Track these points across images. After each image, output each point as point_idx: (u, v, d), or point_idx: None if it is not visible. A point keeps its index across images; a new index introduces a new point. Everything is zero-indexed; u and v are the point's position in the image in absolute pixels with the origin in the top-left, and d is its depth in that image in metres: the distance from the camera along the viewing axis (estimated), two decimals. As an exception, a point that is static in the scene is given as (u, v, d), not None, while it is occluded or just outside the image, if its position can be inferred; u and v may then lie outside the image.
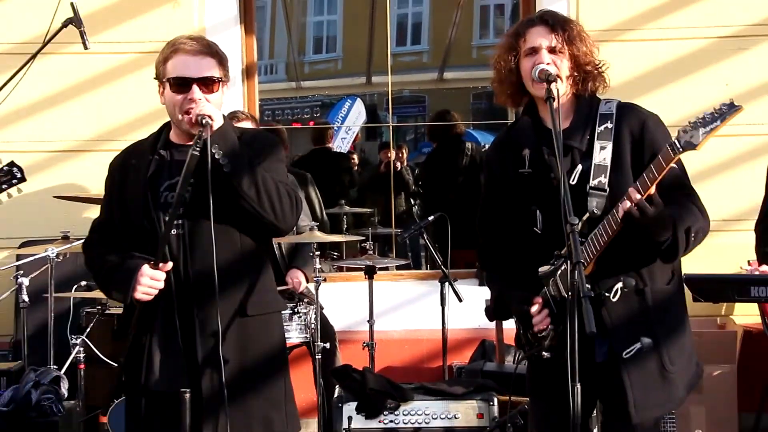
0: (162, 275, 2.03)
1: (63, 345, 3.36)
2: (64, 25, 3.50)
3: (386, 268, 4.29)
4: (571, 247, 1.78)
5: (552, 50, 2.04)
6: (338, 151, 7.39)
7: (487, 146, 6.25)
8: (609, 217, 1.93)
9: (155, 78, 2.16)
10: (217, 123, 2.05)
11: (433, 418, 2.92)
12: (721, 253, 2.81)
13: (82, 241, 2.29)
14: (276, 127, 4.71)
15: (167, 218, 2.05)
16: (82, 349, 3.20)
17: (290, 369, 2.27)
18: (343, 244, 4.87)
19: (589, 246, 1.95)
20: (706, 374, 3.17)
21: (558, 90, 1.98)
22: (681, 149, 1.83)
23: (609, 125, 2.04)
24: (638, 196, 1.87)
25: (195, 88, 2.07)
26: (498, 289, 2.21)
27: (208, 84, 2.09)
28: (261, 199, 2.05)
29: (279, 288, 3.31)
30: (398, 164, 6.11)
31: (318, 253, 3.33)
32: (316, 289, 3.27)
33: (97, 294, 3.27)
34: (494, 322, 3.56)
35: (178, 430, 2.04)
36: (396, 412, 2.93)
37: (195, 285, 2.07)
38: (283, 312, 2.90)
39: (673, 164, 1.87)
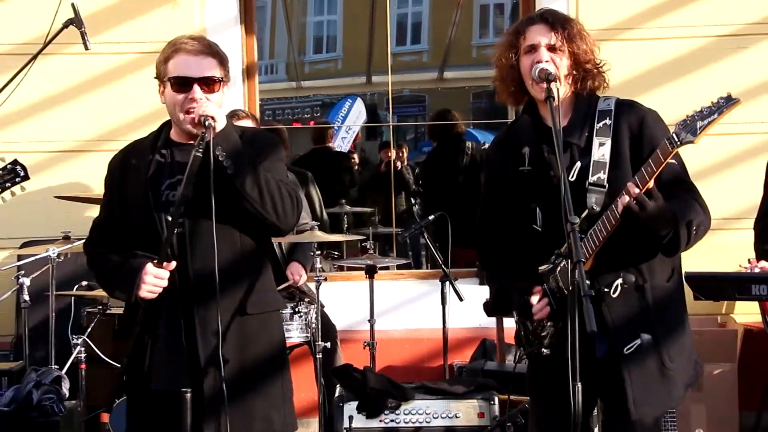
0: (166, 274, 2.04)
1: (64, 345, 3.36)
2: (65, 25, 3.50)
3: (387, 268, 4.29)
4: (572, 245, 1.78)
5: (551, 48, 2.04)
6: (339, 150, 7.40)
7: (487, 145, 6.24)
8: (608, 213, 1.93)
9: (156, 77, 2.16)
10: (220, 124, 2.05)
11: (434, 418, 2.92)
12: (721, 251, 2.81)
13: (83, 241, 2.29)
14: (276, 126, 4.71)
15: (170, 218, 2.05)
16: (83, 348, 3.20)
17: (291, 368, 2.28)
18: (343, 243, 4.87)
19: (588, 242, 1.95)
20: (706, 373, 3.17)
21: (558, 89, 1.98)
22: (679, 143, 1.83)
23: (608, 122, 2.04)
24: (637, 191, 1.87)
25: (196, 87, 2.08)
26: (497, 283, 2.21)
27: (209, 84, 2.10)
28: (263, 199, 2.05)
29: (281, 286, 3.34)
30: (398, 164, 6.11)
31: (319, 252, 3.33)
32: (317, 289, 3.27)
33: (98, 294, 3.27)
34: (495, 322, 3.56)
35: (179, 430, 2.04)
36: (397, 412, 2.93)
37: (195, 284, 2.07)
38: (284, 311, 2.92)
39: (671, 159, 1.87)
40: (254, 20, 4.29)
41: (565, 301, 1.92)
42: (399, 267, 4.44)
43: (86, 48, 3.44)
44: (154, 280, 2.02)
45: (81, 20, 3.41)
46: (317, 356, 3.23)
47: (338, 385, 3.08)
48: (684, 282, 2.11)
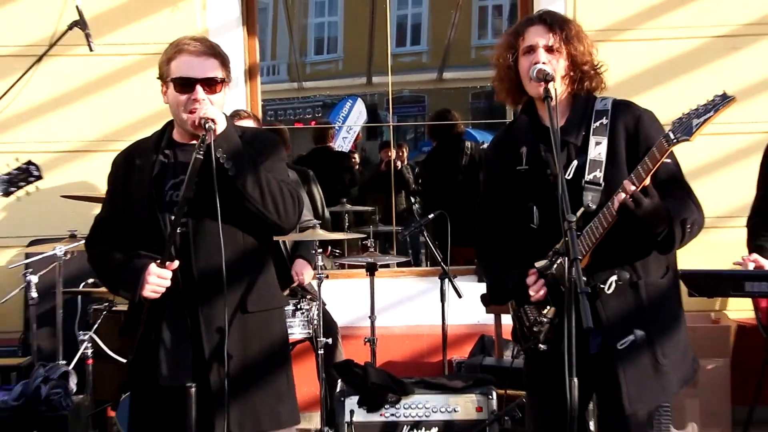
0: (169, 274, 2.04)
1: (71, 341, 3.37)
2: (70, 27, 3.51)
3: (387, 265, 4.29)
4: (569, 243, 1.78)
5: (549, 49, 2.04)
6: (340, 150, 7.40)
7: (486, 145, 6.25)
8: (604, 210, 1.93)
9: (158, 78, 2.16)
10: (221, 126, 2.05)
11: (433, 412, 2.93)
12: (715, 249, 2.80)
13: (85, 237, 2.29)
14: (278, 126, 4.71)
15: (173, 218, 2.05)
16: (89, 344, 3.21)
17: (293, 364, 2.28)
18: (345, 241, 4.87)
19: (584, 239, 1.96)
20: (700, 368, 3.17)
21: (555, 89, 1.98)
22: (675, 140, 1.84)
23: (604, 121, 2.04)
24: (633, 188, 1.87)
25: (199, 88, 2.08)
26: (493, 274, 2.21)
27: (211, 84, 2.10)
28: (265, 199, 2.05)
29: (287, 288, 3.34)
30: (399, 163, 6.11)
31: (320, 250, 3.33)
32: (319, 286, 3.27)
33: (105, 291, 3.28)
34: (493, 318, 3.56)
35: (184, 425, 2.04)
36: (397, 406, 2.94)
37: (199, 282, 2.08)
38: (286, 308, 2.92)
39: (667, 157, 1.87)
40: (256, 22, 4.28)
41: (561, 298, 1.92)
42: (399, 265, 4.44)
43: (90, 50, 3.45)
44: (158, 280, 2.03)
45: (85, 22, 3.42)
46: (319, 352, 3.23)
47: (339, 380, 3.08)
48: (679, 279, 2.11)
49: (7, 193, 2.34)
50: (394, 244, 5.61)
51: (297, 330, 3.23)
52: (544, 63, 2.02)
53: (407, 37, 9.88)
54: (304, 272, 3.43)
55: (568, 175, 2.00)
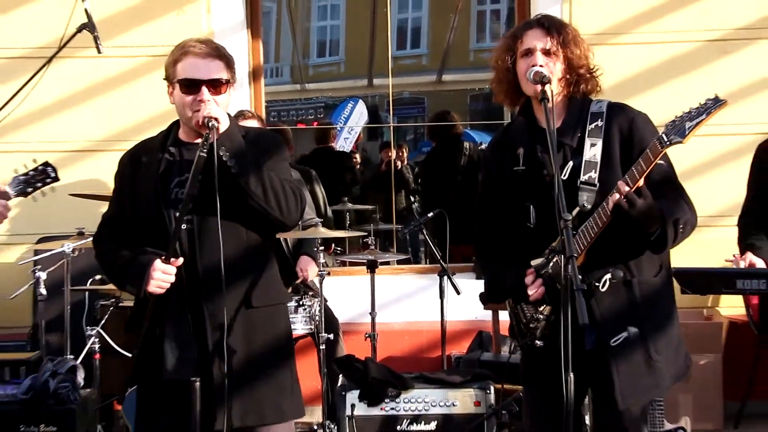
0: (173, 269, 2.04)
1: (79, 336, 3.37)
2: (79, 30, 3.50)
3: (387, 263, 4.29)
4: (565, 242, 1.79)
5: (546, 52, 2.05)
6: (341, 150, 7.38)
7: (484, 145, 6.24)
8: (599, 210, 1.94)
9: (165, 79, 2.16)
10: (224, 125, 2.06)
11: (432, 406, 2.93)
12: (708, 247, 2.80)
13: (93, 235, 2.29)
14: (281, 127, 4.71)
15: (177, 215, 2.05)
16: (97, 339, 3.21)
17: (296, 359, 2.28)
18: (346, 239, 4.87)
19: (579, 238, 1.96)
20: (693, 364, 3.18)
21: (551, 91, 1.98)
22: (668, 142, 1.84)
23: (599, 123, 2.04)
24: (627, 189, 1.88)
25: (204, 89, 2.08)
26: (491, 273, 2.21)
27: (216, 85, 2.10)
28: (267, 196, 2.06)
29: (292, 285, 3.34)
30: (399, 163, 6.11)
31: (322, 248, 3.33)
32: (321, 283, 3.27)
33: (111, 287, 3.28)
34: (490, 314, 3.56)
35: (188, 418, 2.04)
36: (397, 400, 2.94)
37: (204, 278, 2.08)
38: (288, 304, 2.92)
39: (660, 159, 1.87)
40: (260, 25, 4.28)
41: (557, 295, 1.92)
42: (399, 262, 4.44)
43: (99, 52, 3.43)
44: (162, 275, 2.03)
45: (94, 25, 3.41)
46: (321, 347, 3.23)
47: (341, 375, 3.09)
48: (672, 277, 2.11)
49: (24, 194, 2.34)
50: (394, 242, 5.61)
51: (299, 326, 3.23)
52: (541, 65, 2.02)
53: (407, 41, 9.87)
54: (308, 268, 3.43)
55: (564, 175, 2.00)
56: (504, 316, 3.27)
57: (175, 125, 2.22)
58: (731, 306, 3.89)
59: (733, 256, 2.43)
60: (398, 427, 2.92)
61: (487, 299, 2.26)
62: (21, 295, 3.47)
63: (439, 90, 9.32)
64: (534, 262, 2.05)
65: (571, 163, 2.03)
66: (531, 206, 2.06)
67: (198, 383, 2.04)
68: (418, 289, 4.09)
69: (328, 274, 3.37)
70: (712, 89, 1.97)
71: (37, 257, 3.40)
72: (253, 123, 3.40)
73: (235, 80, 2.17)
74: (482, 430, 2.88)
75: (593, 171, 2.00)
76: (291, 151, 4.49)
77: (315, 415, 3.57)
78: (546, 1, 3.96)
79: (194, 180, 2.01)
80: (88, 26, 3.44)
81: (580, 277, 1.76)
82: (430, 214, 3.62)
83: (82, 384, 3.10)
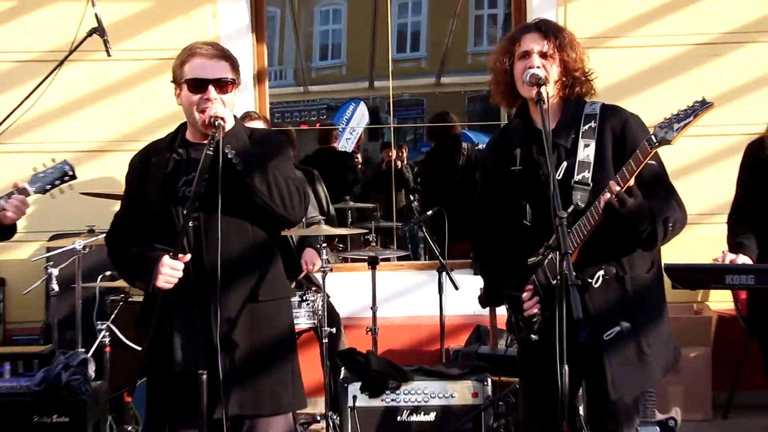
0: (181, 265, 2.04)
1: (90, 330, 3.37)
2: (89, 34, 3.49)
3: (388, 259, 4.29)
4: (560, 238, 1.79)
5: (543, 55, 2.04)
6: (343, 150, 7.39)
7: (481, 146, 6.24)
8: (592, 209, 1.94)
9: (172, 81, 2.16)
10: (229, 124, 2.06)
11: (431, 397, 2.93)
12: (697, 244, 2.80)
13: (105, 233, 2.30)
14: (285, 128, 4.71)
15: (185, 212, 2.05)
16: (107, 333, 3.22)
17: (299, 352, 2.28)
18: (348, 236, 4.87)
19: (573, 236, 1.96)
20: (683, 356, 3.18)
21: (547, 93, 1.98)
22: (657, 143, 1.84)
23: (593, 125, 2.04)
24: (618, 188, 1.88)
25: (211, 88, 2.08)
26: (490, 277, 2.22)
27: (222, 85, 2.10)
28: (272, 194, 2.06)
29: (296, 279, 3.34)
30: (399, 163, 6.10)
31: (325, 245, 3.33)
32: (323, 278, 3.28)
33: (121, 283, 3.28)
34: (488, 309, 3.56)
35: (195, 408, 2.04)
36: (397, 392, 2.94)
37: (210, 274, 2.08)
38: (292, 299, 2.92)
39: (651, 159, 1.87)
40: (265, 29, 4.28)
41: (552, 291, 1.92)
42: (399, 258, 4.44)
43: (108, 55, 3.43)
44: (170, 271, 2.03)
45: (104, 29, 3.41)
46: (323, 341, 3.23)
47: (343, 368, 3.09)
48: (663, 273, 2.11)
49: (43, 191, 2.34)
50: (394, 239, 5.61)
51: (303, 320, 3.23)
52: (537, 67, 2.02)
53: (407, 44, 9.87)
54: (315, 261, 3.43)
55: (559, 175, 2.00)
56: (501, 310, 3.27)
57: (183, 127, 2.22)
58: (720, 301, 3.89)
59: (722, 252, 2.42)
60: (398, 418, 2.92)
61: (485, 303, 2.28)
62: (34, 290, 3.47)
63: (438, 92, 9.32)
64: (530, 260, 2.05)
65: (565, 164, 2.03)
66: (527, 205, 2.06)
67: (205, 376, 2.04)
68: (418, 285, 4.09)
69: (331, 270, 3.37)
70: (702, 91, 1.97)
71: (50, 254, 3.41)
72: (259, 124, 3.40)
73: (239, 81, 2.17)
74: (480, 420, 2.88)
75: (587, 171, 2.00)
76: (295, 150, 4.49)
77: (318, 406, 3.58)
78: (542, 6, 3.96)
79: (201, 178, 2.01)
80: (98, 30, 3.44)
81: (574, 273, 1.76)
82: (429, 212, 3.62)
83: (93, 376, 3.10)
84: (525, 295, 2.04)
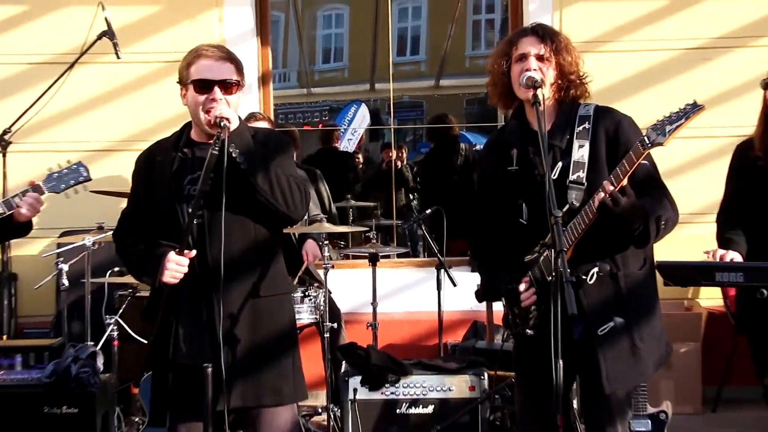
0: (186, 261, 2.04)
1: (99, 324, 3.37)
2: (99, 37, 3.49)
3: (388, 256, 4.29)
4: (555, 236, 1.78)
5: (540, 58, 2.04)
6: (345, 150, 7.38)
7: (479, 147, 6.23)
8: (586, 208, 1.94)
9: (178, 82, 2.16)
10: (234, 124, 2.06)
11: (429, 391, 2.93)
12: (688, 242, 2.80)
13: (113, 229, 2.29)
14: (289, 128, 4.70)
15: (190, 209, 2.05)
16: (115, 327, 3.22)
17: (301, 346, 2.27)
18: (349, 234, 4.86)
19: (568, 234, 1.95)
20: (673, 351, 3.19)
21: (543, 95, 1.98)
22: (650, 145, 1.84)
23: (587, 126, 2.04)
24: (611, 188, 1.87)
25: (216, 89, 2.08)
26: (487, 273, 2.21)
27: (227, 86, 2.10)
28: (274, 192, 2.05)
29: (298, 272, 3.33)
30: (399, 163, 6.10)
31: (327, 242, 3.33)
32: (325, 275, 3.27)
33: (129, 278, 3.28)
34: (485, 305, 3.56)
35: (199, 401, 2.04)
36: (396, 385, 2.94)
37: (214, 270, 2.07)
38: (294, 295, 2.92)
39: (643, 159, 1.87)
40: (269, 33, 4.28)
41: (547, 288, 1.92)
42: (399, 256, 4.43)
43: (118, 57, 3.43)
44: (176, 266, 2.02)
45: (113, 32, 3.41)
46: (325, 336, 3.23)
47: (344, 362, 3.08)
48: (655, 270, 2.11)
49: (57, 190, 2.34)
50: (394, 237, 5.60)
51: (305, 315, 3.23)
52: (534, 70, 2.02)
53: (407, 48, 9.85)
54: (315, 252, 3.42)
55: (554, 175, 2.00)
56: (498, 306, 3.26)
57: (188, 126, 2.22)
58: (710, 297, 3.89)
59: (713, 250, 2.42)
60: (398, 411, 2.92)
61: (482, 298, 2.28)
62: (45, 285, 3.47)
63: (437, 94, 9.31)
64: (526, 258, 2.05)
65: (560, 164, 2.02)
66: (524, 204, 2.06)
67: (210, 369, 2.04)
68: (417, 281, 4.09)
69: (332, 266, 3.36)
70: (692, 94, 1.97)
71: (60, 250, 3.40)
72: (263, 124, 3.40)
73: (244, 83, 2.17)
74: (476, 413, 2.88)
75: (581, 171, 2.00)
76: (298, 150, 4.49)
77: (320, 399, 3.58)
78: (538, 11, 3.95)
79: (206, 177, 2.01)
80: (108, 34, 3.44)
81: (569, 270, 1.75)
82: (428, 211, 3.62)
83: (101, 369, 3.10)
84: (522, 286, 2.03)
